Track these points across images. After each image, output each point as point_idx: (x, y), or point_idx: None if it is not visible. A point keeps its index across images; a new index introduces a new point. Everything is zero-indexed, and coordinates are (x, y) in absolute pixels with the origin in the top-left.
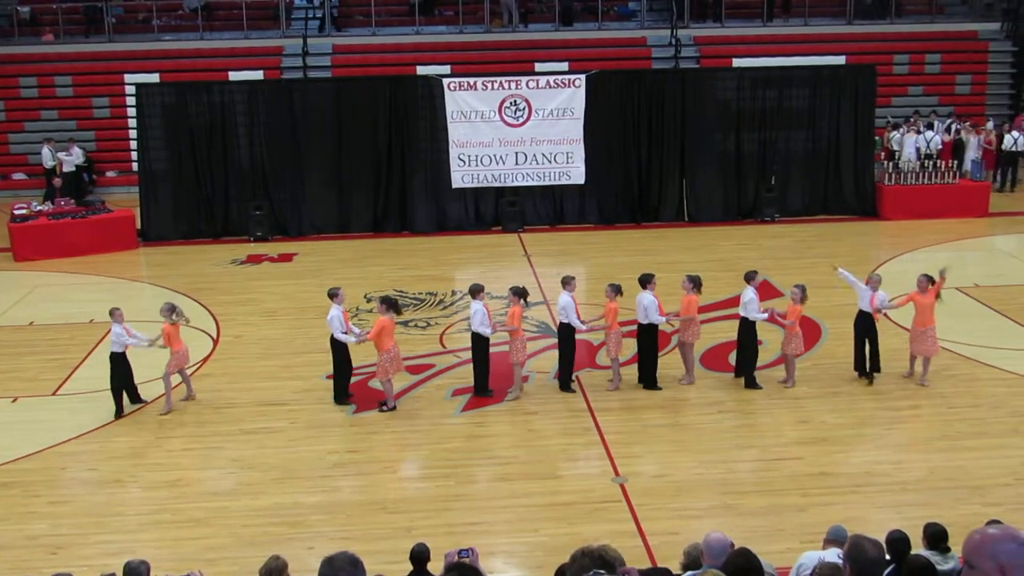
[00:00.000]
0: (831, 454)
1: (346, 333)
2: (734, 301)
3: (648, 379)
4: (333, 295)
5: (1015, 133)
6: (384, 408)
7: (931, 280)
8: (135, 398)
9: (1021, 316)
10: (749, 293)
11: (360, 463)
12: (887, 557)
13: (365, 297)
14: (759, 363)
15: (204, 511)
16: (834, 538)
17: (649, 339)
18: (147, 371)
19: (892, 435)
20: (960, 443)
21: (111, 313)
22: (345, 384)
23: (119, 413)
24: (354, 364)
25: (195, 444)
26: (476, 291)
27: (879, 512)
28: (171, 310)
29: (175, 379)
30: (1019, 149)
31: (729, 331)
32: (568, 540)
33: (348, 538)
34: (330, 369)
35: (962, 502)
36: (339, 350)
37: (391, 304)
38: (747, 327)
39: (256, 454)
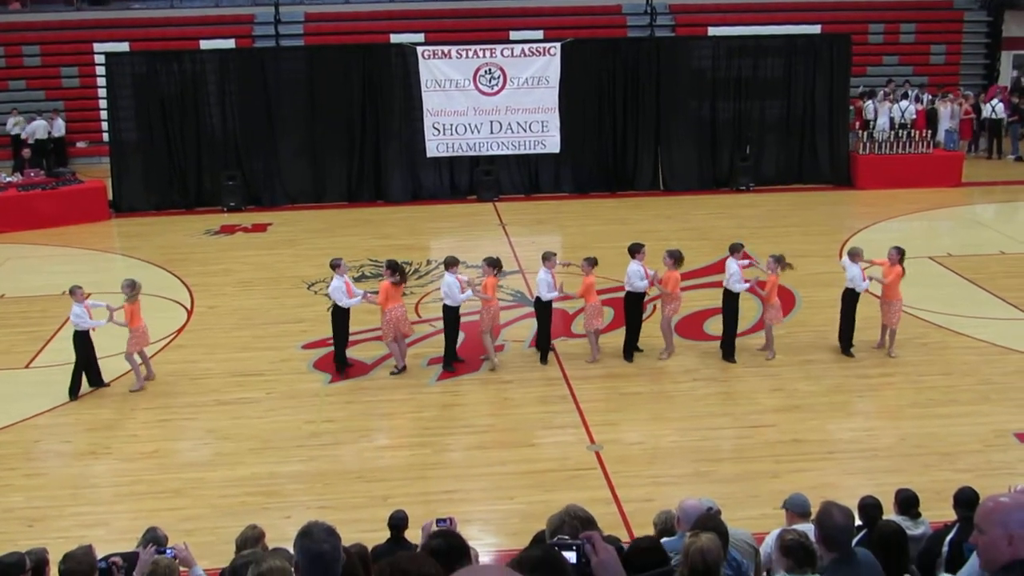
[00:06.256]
0: (804, 421)
1: (351, 298)
2: (709, 269)
3: (627, 349)
4: (335, 265)
5: (994, 102)
6: (394, 371)
7: (901, 253)
8: (96, 381)
9: (992, 285)
10: (733, 265)
11: (336, 432)
12: (858, 523)
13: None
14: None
15: (180, 482)
16: (800, 511)
17: (632, 307)
18: (111, 345)
19: (864, 403)
20: (931, 410)
21: (71, 292)
22: (343, 353)
23: (74, 394)
24: (350, 331)
25: (171, 415)
26: (450, 264)
27: (851, 478)
28: (131, 287)
29: (136, 359)
30: (998, 117)
31: (705, 300)
32: (544, 508)
33: (325, 507)
34: (307, 339)
35: (932, 468)
36: (340, 321)
37: (394, 268)
38: (730, 299)
39: (232, 424)
